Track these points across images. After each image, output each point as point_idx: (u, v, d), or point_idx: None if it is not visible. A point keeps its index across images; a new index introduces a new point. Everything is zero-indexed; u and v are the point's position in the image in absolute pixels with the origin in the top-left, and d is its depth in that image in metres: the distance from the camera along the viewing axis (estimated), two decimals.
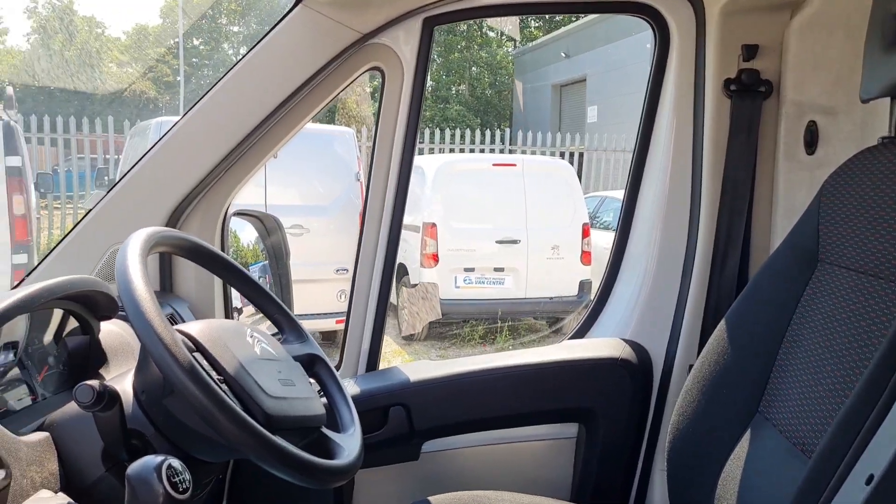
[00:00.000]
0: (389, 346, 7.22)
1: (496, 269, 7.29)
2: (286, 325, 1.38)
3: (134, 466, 0.87)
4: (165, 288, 1.71)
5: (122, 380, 1.13)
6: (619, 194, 9.02)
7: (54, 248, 1.66)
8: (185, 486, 0.88)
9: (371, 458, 1.76)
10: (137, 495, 0.85)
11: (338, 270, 6.32)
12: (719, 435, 1.38)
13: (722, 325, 1.45)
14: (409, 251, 7.34)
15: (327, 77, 1.64)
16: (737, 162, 1.76)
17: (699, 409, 1.43)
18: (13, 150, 6.00)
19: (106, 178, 10.40)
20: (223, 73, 1.63)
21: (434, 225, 7.12)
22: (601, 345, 1.88)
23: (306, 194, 6.59)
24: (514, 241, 7.29)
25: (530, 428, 1.87)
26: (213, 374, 1.06)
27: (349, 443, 1.22)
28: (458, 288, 7.20)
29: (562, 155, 12.97)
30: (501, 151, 13.31)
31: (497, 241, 7.27)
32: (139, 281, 1.00)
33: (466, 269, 7.21)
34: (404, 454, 1.78)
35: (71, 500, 0.97)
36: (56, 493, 1.03)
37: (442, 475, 1.82)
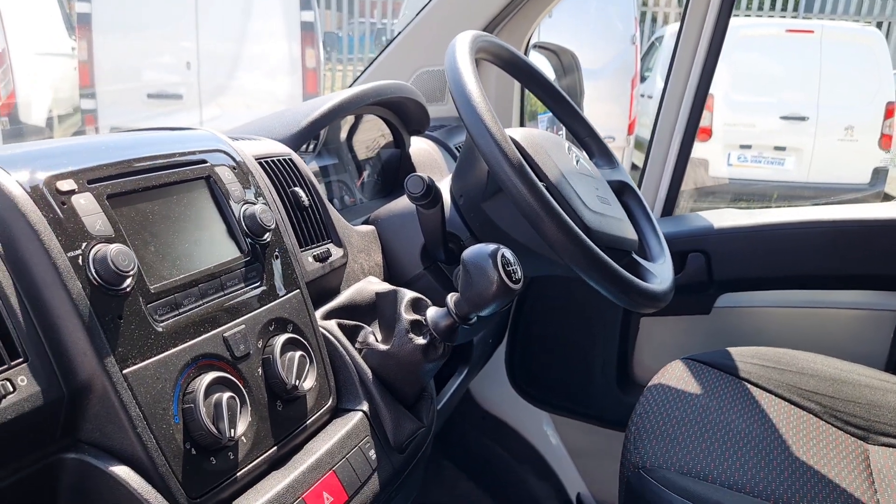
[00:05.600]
0: None
1: (776, 148, 6.63)
2: (596, 149, 1.33)
3: (469, 251, 0.86)
4: None
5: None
6: None
7: (362, 73, 1.71)
8: (517, 277, 0.86)
9: None
10: (472, 279, 0.84)
11: (604, 138, 6.09)
12: None
13: None
14: None
15: None
16: None
17: None
18: (307, 6, 6.40)
19: (384, 38, 10.79)
20: None
21: (711, 95, 6.57)
22: None
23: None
24: (802, 118, 6.55)
25: (844, 293, 1.67)
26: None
27: (661, 271, 1.15)
28: (730, 166, 6.67)
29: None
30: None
31: (781, 117, 6.58)
32: (469, 74, 0.97)
33: (742, 147, 6.64)
34: (696, 306, 1.68)
35: (395, 288, 1.01)
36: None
37: (735, 333, 1.70)
